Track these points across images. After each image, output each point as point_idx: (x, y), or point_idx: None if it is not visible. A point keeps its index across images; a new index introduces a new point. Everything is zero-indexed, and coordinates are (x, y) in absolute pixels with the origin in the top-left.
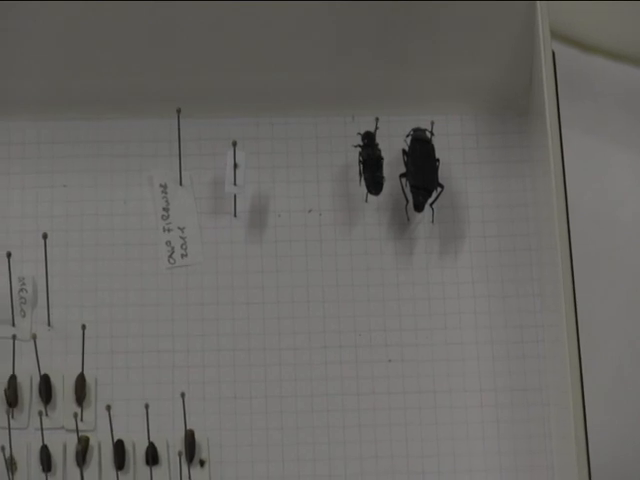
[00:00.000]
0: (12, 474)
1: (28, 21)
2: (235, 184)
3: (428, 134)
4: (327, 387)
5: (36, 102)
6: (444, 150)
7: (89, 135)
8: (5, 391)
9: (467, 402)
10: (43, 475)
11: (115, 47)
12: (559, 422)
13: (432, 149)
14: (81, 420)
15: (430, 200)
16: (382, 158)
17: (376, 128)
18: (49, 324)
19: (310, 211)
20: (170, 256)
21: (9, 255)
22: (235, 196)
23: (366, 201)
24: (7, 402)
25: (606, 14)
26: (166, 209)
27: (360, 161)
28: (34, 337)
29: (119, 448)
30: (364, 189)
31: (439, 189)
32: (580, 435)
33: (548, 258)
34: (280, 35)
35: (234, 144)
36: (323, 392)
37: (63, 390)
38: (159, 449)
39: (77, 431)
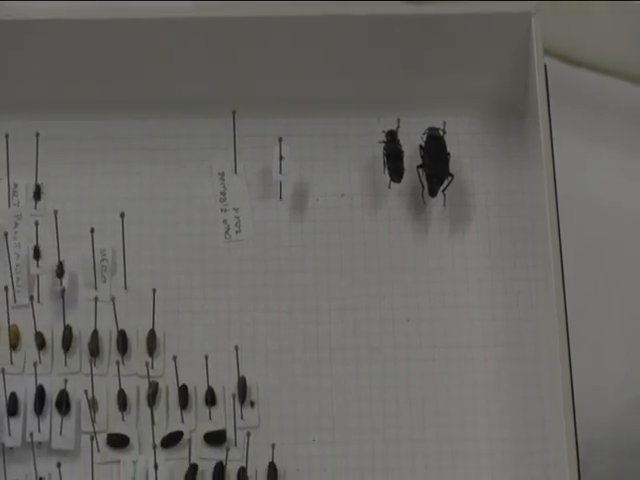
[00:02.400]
0: (94, 413)
1: (116, 38)
2: (281, 173)
3: (441, 132)
4: (356, 341)
5: (120, 104)
6: (454, 145)
7: (160, 131)
8: (89, 344)
9: (473, 355)
10: (119, 414)
11: (185, 62)
12: (550, 373)
13: (444, 145)
14: (152, 368)
15: (442, 187)
16: (402, 152)
17: (398, 127)
18: (125, 288)
19: (343, 195)
20: (226, 232)
21: (92, 231)
22: (280, 183)
23: (389, 187)
24: (90, 353)
25: (587, 34)
26: (223, 193)
27: (384, 154)
28: (113, 299)
29: (183, 391)
30: (388, 177)
31: (450, 178)
32: (566, 384)
33: (540, 236)
34: (319, 50)
35: (280, 140)
36: (352, 345)
37: (137, 343)
38: (216, 392)
39: (148, 377)
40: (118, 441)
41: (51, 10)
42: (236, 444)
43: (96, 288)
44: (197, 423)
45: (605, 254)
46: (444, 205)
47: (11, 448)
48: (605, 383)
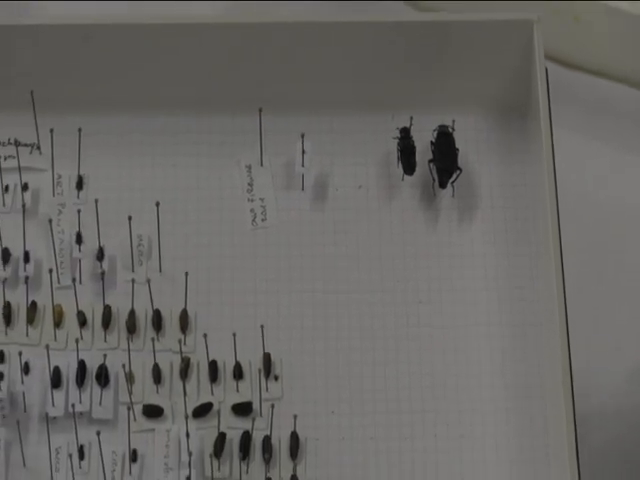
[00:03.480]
0: (131, 385)
1: (154, 42)
2: (303, 166)
3: (450, 129)
4: (371, 321)
5: (157, 103)
6: (462, 142)
7: (193, 128)
8: (126, 322)
9: (478, 333)
10: (154, 386)
11: (217, 65)
12: (549, 350)
13: (453, 141)
14: (184, 344)
15: (451, 180)
16: (415, 147)
17: (410, 124)
18: (160, 271)
19: (360, 187)
20: (253, 220)
21: (130, 218)
22: (302, 175)
23: (402, 180)
24: (128, 330)
25: (583, 40)
26: (250, 184)
27: (398, 149)
28: (148, 281)
29: (213, 366)
30: (401, 171)
31: (458, 171)
32: (565, 359)
33: (541, 225)
34: (339, 55)
35: (302, 136)
36: (368, 325)
37: (171, 321)
38: (243, 367)
39: (181, 353)
40: (153, 411)
41: (94, 18)
42: (261, 415)
43: (133, 271)
44: (225, 395)
45: (601, 241)
46: (453, 196)
47: (55, 417)
48: (600, 359)
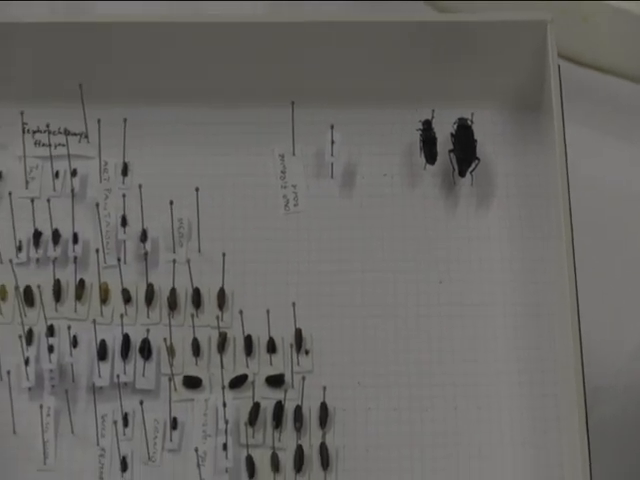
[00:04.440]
0: (172, 358)
1: (197, 39)
2: (332, 155)
3: (469, 122)
4: (395, 299)
5: (198, 95)
6: (480, 134)
7: (231, 119)
8: (167, 299)
9: (494, 312)
10: (193, 359)
11: (253, 60)
12: (561, 327)
13: (472, 133)
14: (221, 320)
15: (470, 169)
16: (436, 138)
17: (432, 117)
18: (199, 252)
19: (385, 175)
20: (286, 205)
21: (171, 203)
22: (332, 164)
23: (424, 169)
24: (169, 307)
25: (593, 39)
26: (283, 172)
27: (420, 140)
28: (188, 261)
29: (248, 341)
30: (423, 160)
31: (477, 161)
32: (575, 336)
33: (553, 211)
34: (366, 52)
35: (332, 127)
36: (392, 303)
37: (209, 299)
38: (276, 342)
39: (218, 328)
40: (192, 382)
41: (141, 16)
42: (293, 386)
43: (174, 252)
44: (260, 368)
45: (609, 225)
46: (471, 184)
47: (101, 387)
48: (610, 335)
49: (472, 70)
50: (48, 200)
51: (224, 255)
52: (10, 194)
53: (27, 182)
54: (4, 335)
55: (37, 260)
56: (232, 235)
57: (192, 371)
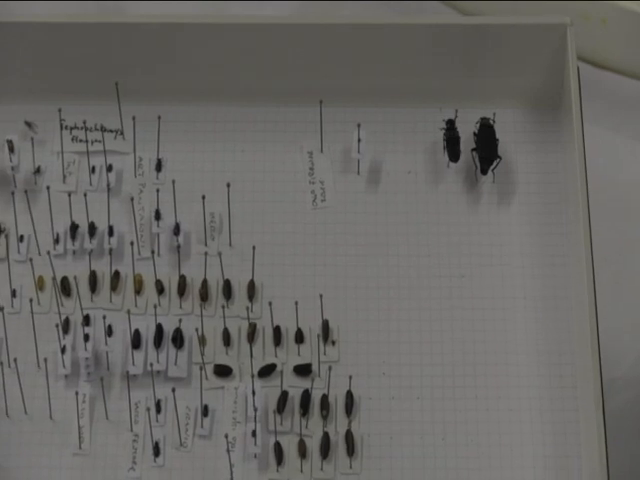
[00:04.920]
0: (203, 347)
1: (229, 41)
2: (359, 152)
3: (491, 121)
4: (419, 292)
5: (230, 94)
6: (502, 133)
7: (261, 117)
8: (199, 290)
9: (515, 305)
10: (224, 348)
11: (283, 61)
12: (579, 320)
13: (494, 132)
14: (251, 311)
15: (492, 167)
16: (459, 137)
17: (456, 117)
18: (230, 245)
19: (409, 172)
20: (313, 201)
21: (204, 198)
22: (358, 161)
23: (448, 167)
24: (201, 298)
25: (609, 43)
26: (311, 168)
27: (444, 139)
28: (219, 254)
29: (277, 331)
30: (447, 158)
31: (498, 159)
32: (593, 329)
33: (572, 207)
34: (393, 53)
35: (359, 125)
36: (416, 295)
37: (239, 290)
38: (304, 332)
39: (248, 318)
40: (222, 371)
41: (175, 17)
42: (320, 375)
43: (206, 244)
44: (288, 357)
45: (625, 219)
46: (493, 182)
47: (135, 375)
48: (626, 328)
49: (494, 71)
50: (85, 194)
51: (254, 248)
52: (48, 188)
53: (64, 177)
54: (42, 324)
55: (74, 252)
56: (262, 229)
57: (223, 360)
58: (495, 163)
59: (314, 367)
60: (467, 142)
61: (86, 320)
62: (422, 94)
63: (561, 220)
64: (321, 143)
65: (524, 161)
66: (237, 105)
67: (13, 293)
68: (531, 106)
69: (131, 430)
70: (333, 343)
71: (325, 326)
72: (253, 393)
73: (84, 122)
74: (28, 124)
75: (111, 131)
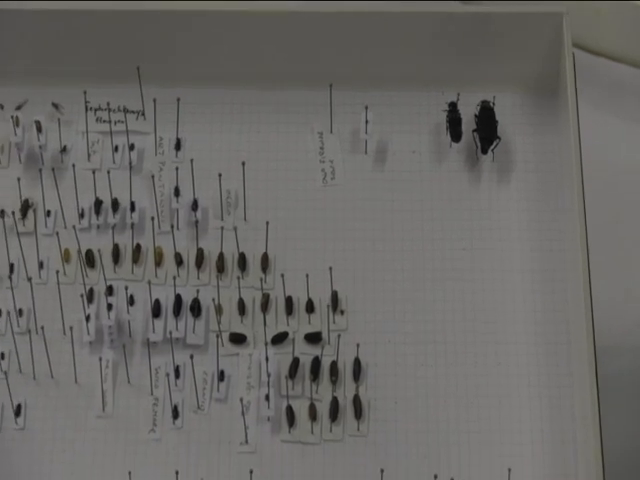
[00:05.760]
0: (219, 316)
1: (247, 29)
2: (366, 133)
3: (491, 104)
4: (423, 265)
5: (246, 78)
6: (501, 115)
7: (275, 99)
8: (216, 262)
9: (513, 277)
10: (239, 317)
11: (296, 47)
12: (574, 291)
13: (493, 114)
14: (264, 282)
15: (492, 147)
16: (461, 119)
17: (457, 100)
18: (245, 220)
19: (414, 152)
20: (324, 178)
21: (220, 175)
22: (366, 141)
23: (450, 147)
24: (217, 270)
25: (604, 29)
26: (322, 148)
27: (447, 120)
28: (235, 228)
29: (289, 301)
30: (449, 139)
31: (498, 140)
32: (587, 299)
33: (567, 185)
34: (398, 40)
35: (366, 108)
36: (420, 268)
37: (253, 263)
38: (314, 302)
39: (262, 289)
40: (237, 338)
41: (194, 4)
42: (329, 343)
43: (222, 219)
44: (299, 326)
45: (617, 196)
46: (493, 161)
47: (155, 342)
48: (618, 299)
49: (494, 57)
50: (108, 172)
51: (267, 223)
52: (74, 166)
53: (89, 155)
54: (67, 294)
55: (98, 226)
56: (275, 205)
57: (238, 328)
58: (495, 143)
59: (324, 335)
60: (468, 123)
61: (109, 290)
62: (426, 79)
63: (557, 197)
64: (331, 124)
65: (522, 142)
66: (252, 88)
67: (41, 265)
68: (529, 90)
69: (151, 394)
70: (342, 313)
71: (334, 297)
72: (266, 359)
73: (108, 104)
74: (55, 106)
75: (133, 112)
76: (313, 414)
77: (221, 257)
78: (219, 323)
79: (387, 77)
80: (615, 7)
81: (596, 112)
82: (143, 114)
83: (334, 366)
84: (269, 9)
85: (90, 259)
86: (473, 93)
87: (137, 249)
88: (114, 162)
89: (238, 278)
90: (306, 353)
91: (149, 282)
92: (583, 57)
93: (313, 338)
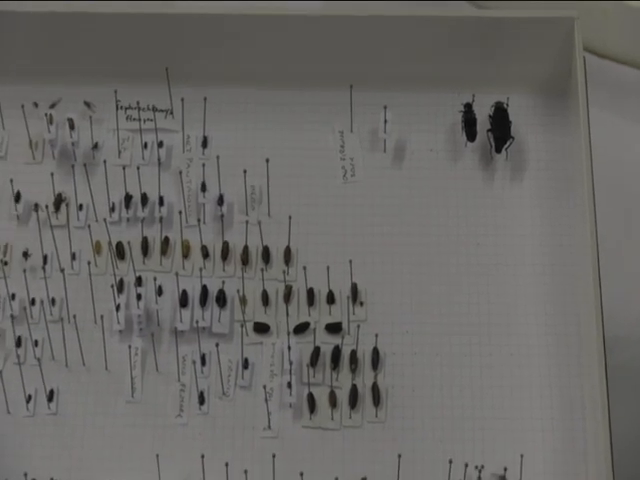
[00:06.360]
0: (244, 306)
1: (271, 31)
2: (385, 132)
3: (505, 105)
4: (439, 258)
5: (271, 78)
6: (514, 115)
7: (298, 99)
8: (241, 255)
9: (525, 270)
10: (263, 308)
11: (317, 49)
12: (583, 282)
13: (507, 114)
14: (287, 274)
15: (505, 146)
16: (476, 119)
17: (473, 101)
18: (269, 215)
19: (431, 150)
20: (344, 175)
21: (245, 172)
22: (385, 140)
23: (465, 145)
24: (242, 262)
25: (610, 33)
26: (342, 146)
27: (462, 120)
28: (259, 222)
29: (310, 293)
30: (464, 138)
31: (511, 139)
32: (597, 289)
33: (577, 183)
34: (416, 43)
35: (385, 107)
36: (436, 261)
37: (277, 256)
38: (335, 294)
39: (285, 281)
40: (261, 328)
41: (223, 7)
42: (349, 333)
43: (247, 214)
44: (320, 316)
45: (626, 195)
46: (506, 159)
47: (182, 331)
48: (626, 291)
49: (508, 60)
50: (138, 168)
51: (290, 218)
52: (105, 162)
53: (120, 152)
54: (98, 284)
55: (128, 220)
56: (297, 201)
57: (261, 318)
58: (508, 143)
59: (344, 325)
60: (483, 124)
61: (138, 281)
62: (443, 80)
63: (568, 194)
64: (351, 124)
65: (534, 141)
66: (276, 89)
67: (73, 256)
68: (541, 92)
69: (179, 381)
70: (361, 304)
71: (354, 289)
72: (289, 348)
73: (138, 103)
74: (87, 104)
75: (162, 111)
76: (333, 401)
77: (246, 250)
78: (243, 313)
79: (405, 79)
80: (621, 10)
81: (602, 113)
82: (171, 113)
83: (353, 355)
84: (292, 13)
85: (120, 251)
86: (487, 94)
87: (165, 242)
88: (143, 158)
89: (262, 270)
90: (327, 342)
91: (177, 273)
92: (593, 60)
93: (333, 328)
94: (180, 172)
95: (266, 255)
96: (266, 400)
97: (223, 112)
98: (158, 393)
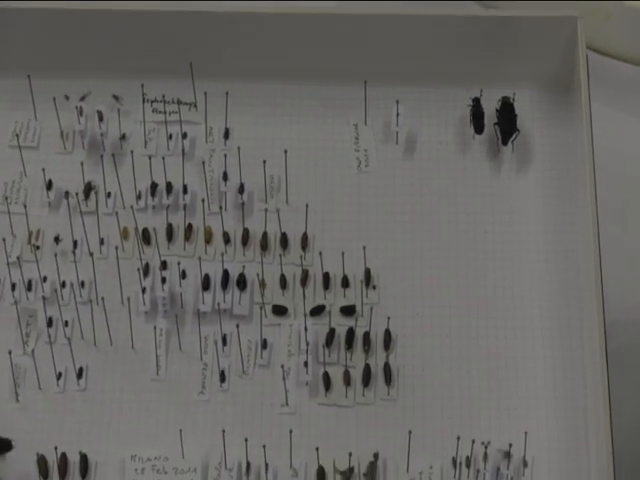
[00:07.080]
0: (263, 289)
1: (288, 30)
2: (397, 125)
3: (511, 100)
4: (448, 245)
5: (289, 73)
6: (520, 110)
7: (315, 94)
8: (260, 241)
9: (529, 256)
10: (281, 291)
11: (331, 46)
12: (585, 270)
13: (513, 109)
14: (304, 260)
15: (511, 139)
16: (484, 113)
17: (480, 95)
18: (287, 203)
19: (441, 142)
20: (358, 166)
21: (264, 162)
22: (397, 132)
23: (474, 138)
24: (261, 247)
25: (610, 35)
26: (356, 138)
27: (470, 114)
28: (278, 210)
29: (326, 277)
30: (472, 131)
31: (517, 132)
32: (597, 277)
33: (580, 174)
34: (426, 41)
35: (397, 102)
36: (446, 247)
37: (294, 241)
38: (349, 278)
39: (302, 266)
40: (279, 310)
41: (242, 6)
42: (362, 315)
43: (266, 202)
44: (335, 299)
45: (625, 185)
46: (512, 152)
47: (204, 313)
48: (626, 277)
49: (514, 57)
50: (163, 158)
51: (307, 206)
52: (132, 152)
53: (146, 143)
54: (125, 268)
55: (153, 207)
56: (314, 189)
57: (279, 301)
58: (514, 136)
59: (357, 308)
60: (490, 117)
61: (163, 265)
62: (452, 76)
63: (571, 185)
64: (365, 117)
65: (539, 135)
66: (294, 83)
67: (101, 241)
68: (546, 87)
69: (201, 359)
70: (374, 288)
71: (367, 273)
72: (305, 329)
73: (163, 96)
74: (115, 97)
75: (186, 104)
76: (347, 380)
77: (265, 236)
78: (262, 296)
79: (417, 75)
80: (622, 11)
81: (603, 107)
82: (195, 106)
83: (367, 336)
84: (310, 12)
85: (146, 237)
86: (495, 90)
87: (189, 228)
88: (168, 149)
89: (280, 255)
90: (341, 324)
91: (199, 258)
92: (595, 58)
93: (348, 311)
94: (203, 162)
95: (284, 241)
96: (284, 378)
97: (244, 105)
98: (181, 371)
